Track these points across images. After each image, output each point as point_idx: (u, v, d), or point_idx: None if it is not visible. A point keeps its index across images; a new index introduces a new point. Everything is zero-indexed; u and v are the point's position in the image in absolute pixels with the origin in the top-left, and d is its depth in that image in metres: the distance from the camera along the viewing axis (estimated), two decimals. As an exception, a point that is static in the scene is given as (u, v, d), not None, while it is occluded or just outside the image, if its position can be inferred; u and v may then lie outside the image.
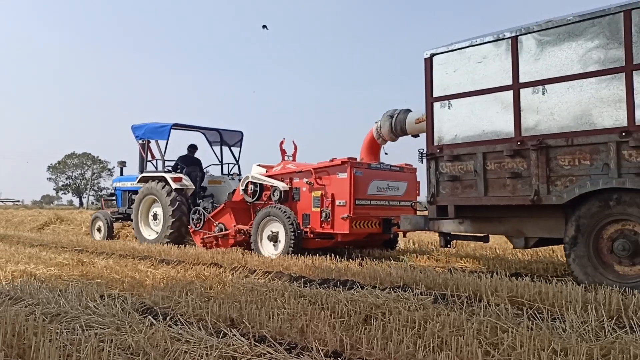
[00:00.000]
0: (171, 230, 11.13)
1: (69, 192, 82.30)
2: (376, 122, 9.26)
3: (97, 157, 77.80)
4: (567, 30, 5.78)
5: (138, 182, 12.51)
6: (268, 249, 9.12)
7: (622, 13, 5.39)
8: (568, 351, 3.01)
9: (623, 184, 5.35)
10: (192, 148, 12.77)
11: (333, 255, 8.28)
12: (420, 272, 5.92)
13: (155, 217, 11.98)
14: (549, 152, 5.83)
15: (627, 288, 4.91)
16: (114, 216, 13.59)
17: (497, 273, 5.87)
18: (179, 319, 3.99)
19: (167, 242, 10.93)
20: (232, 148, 13.35)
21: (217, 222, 10.38)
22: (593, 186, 5.50)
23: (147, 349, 3.12)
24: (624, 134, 5.34)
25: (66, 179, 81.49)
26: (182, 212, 11.18)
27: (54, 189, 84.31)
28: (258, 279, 5.94)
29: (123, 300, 4.55)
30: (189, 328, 3.62)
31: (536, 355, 2.91)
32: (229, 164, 13.39)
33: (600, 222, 5.59)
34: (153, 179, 11.87)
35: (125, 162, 13.67)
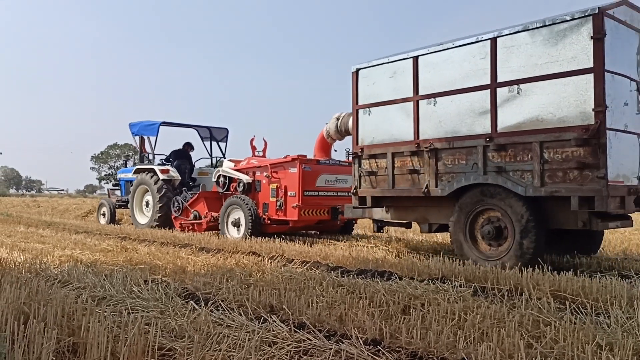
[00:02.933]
0: (159, 214, 12.52)
1: (111, 181, 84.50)
2: (326, 124, 10.20)
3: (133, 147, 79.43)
4: (451, 52, 6.92)
5: (133, 173, 13.91)
6: (232, 233, 10.42)
7: (489, 40, 6.53)
8: (613, 346, 2.94)
9: (487, 180, 6.47)
10: (187, 146, 14.22)
11: (370, 246, 8.30)
12: (459, 265, 5.87)
13: (147, 204, 13.40)
14: (437, 153, 6.98)
15: (491, 264, 6.12)
16: (117, 203, 15.14)
17: (538, 267, 5.77)
18: (220, 304, 4.07)
19: (155, 226, 12.40)
20: (219, 143, 14.83)
21: (192, 210, 11.71)
22: (466, 181, 6.67)
23: (191, 332, 3.19)
24: (488, 139, 6.44)
25: (109, 168, 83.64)
26: (168, 199, 12.50)
27: (97, 179, 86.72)
28: (296, 267, 5.99)
29: (166, 285, 4.66)
30: (230, 313, 3.69)
31: (580, 349, 2.85)
32: (217, 157, 14.68)
33: (473, 211, 6.70)
34: (145, 170, 13.30)
35: (129, 156, 14.99)
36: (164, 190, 12.57)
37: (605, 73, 5.68)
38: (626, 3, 6.28)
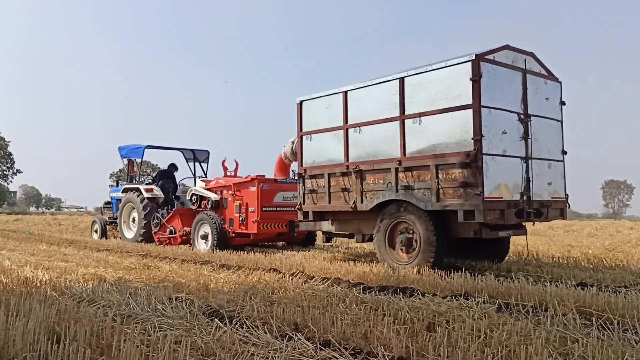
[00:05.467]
0: (143, 230, 13.60)
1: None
2: (284, 147, 11.41)
3: (157, 165, 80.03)
4: (371, 89, 8.17)
5: (122, 192, 15.08)
6: (201, 246, 11.64)
7: (399, 80, 7.72)
8: (643, 363, 2.91)
9: (399, 196, 7.67)
10: (172, 166, 15.44)
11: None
12: (481, 281, 5.84)
13: (133, 220, 14.47)
14: (362, 174, 8.23)
15: (406, 268, 7.31)
16: (109, 220, 16.20)
17: (562, 282, 5.71)
18: (244, 322, 4.09)
19: (140, 240, 13.44)
20: (202, 164, 15.89)
21: (169, 225, 13.02)
22: (383, 198, 7.90)
23: (218, 351, 3.23)
24: (399, 162, 7.66)
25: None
26: (151, 215, 13.61)
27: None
28: (317, 284, 6.00)
29: (190, 303, 4.70)
30: (255, 331, 3.72)
31: (610, 367, 2.83)
32: (199, 176, 15.42)
33: (391, 222, 7.85)
34: (132, 190, 14.47)
35: (120, 176, 15.93)
36: (147, 207, 13.68)
37: (483, 108, 6.83)
38: (508, 47, 7.45)
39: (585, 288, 5.42)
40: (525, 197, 7.31)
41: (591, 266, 8.19)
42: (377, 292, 5.44)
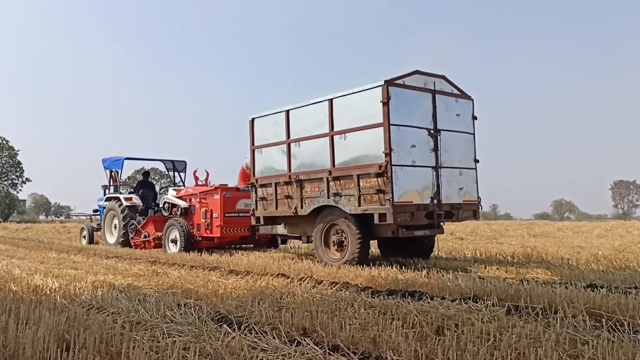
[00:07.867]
0: (123, 235, 14.81)
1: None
2: (246, 158, 12.22)
3: (165, 172, 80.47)
4: (308, 108, 9.34)
5: (105, 201, 16.34)
6: (172, 249, 12.93)
7: (328, 101, 8.86)
8: (655, 365, 2.89)
9: (329, 202, 8.84)
10: (145, 174, 17.15)
11: (399, 266, 8.28)
12: (490, 283, 5.81)
13: (115, 227, 15.73)
14: (301, 183, 9.39)
15: (338, 264, 8.35)
16: (96, 227, 17.40)
17: (571, 284, 5.68)
18: (253, 327, 4.09)
19: (120, 245, 14.66)
20: (180, 173, 17.24)
21: (144, 231, 14.38)
22: (317, 204, 9.06)
23: (226, 357, 3.23)
24: (329, 173, 8.82)
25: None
26: (130, 222, 14.90)
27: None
28: (325, 289, 5.99)
29: (199, 309, 4.71)
30: (264, 336, 3.72)
31: (620, 369, 2.81)
32: (179, 185, 16.64)
33: (325, 225, 9.01)
34: (113, 198, 15.76)
35: (107, 186, 17.07)
36: (127, 214, 14.92)
37: (392, 126, 7.92)
38: (418, 72, 8.49)
39: (595, 289, 5.39)
40: (435, 201, 8.35)
41: (601, 267, 8.14)
42: (385, 296, 5.42)
